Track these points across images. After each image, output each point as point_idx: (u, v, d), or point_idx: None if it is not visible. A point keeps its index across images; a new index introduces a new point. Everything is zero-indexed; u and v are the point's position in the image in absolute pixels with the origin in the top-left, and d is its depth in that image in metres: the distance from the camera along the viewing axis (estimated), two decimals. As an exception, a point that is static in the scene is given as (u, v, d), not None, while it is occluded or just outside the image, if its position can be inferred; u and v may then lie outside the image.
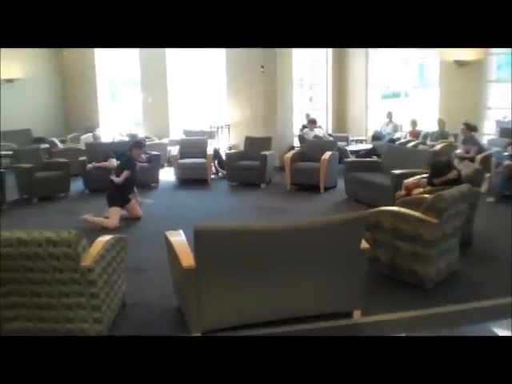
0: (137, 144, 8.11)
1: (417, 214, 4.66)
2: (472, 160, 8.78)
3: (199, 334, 3.78)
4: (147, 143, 11.14)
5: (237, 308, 3.89)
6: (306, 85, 15.20)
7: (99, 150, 9.96)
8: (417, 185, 5.98)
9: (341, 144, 11.29)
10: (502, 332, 4.01)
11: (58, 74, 14.44)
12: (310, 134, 11.36)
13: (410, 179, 6.15)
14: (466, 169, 6.36)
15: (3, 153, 11.20)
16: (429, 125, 12.01)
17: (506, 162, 8.06)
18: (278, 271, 3.86)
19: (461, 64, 11.26)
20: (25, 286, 3.59)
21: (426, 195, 5.05)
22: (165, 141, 12.81)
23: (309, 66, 14.93)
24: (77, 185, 9.76)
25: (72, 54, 13.83)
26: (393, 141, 11.44)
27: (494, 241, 6.09)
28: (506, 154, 8.48)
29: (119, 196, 7.40)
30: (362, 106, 13.90)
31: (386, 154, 8.93)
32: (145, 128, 13.98)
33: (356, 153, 11.47)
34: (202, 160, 10.42)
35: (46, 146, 11.84)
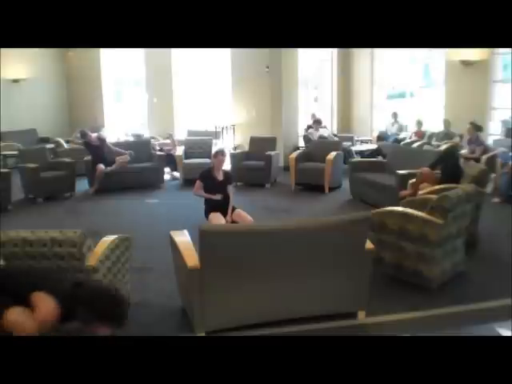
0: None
1: (422, 214, 4.65)
2: (477, 160, 8.75)
3: (203, 334, 3.78)
4: (152, 143, 11.17)
5: (241, 308, 3.89)
6: (311, 85, 15.16)
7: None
8: (433, 175, 6.11)
9: (346, 144, 11.27)
10: (506, 332, 4.00)
11: (63, 74, 14.46)
12: (315, 135, 11.35)
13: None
14: (471, 169, 6.35)
15: (9, 153, 11.25)
16: (434, 125, 11.96)
17: (512, 163, 8.04)
18: (283, 271, 3.86)
19: (466, 64, 11.21)
20: (30, 285, 3.60)
21: (431, 195, 5.05)
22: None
23: (314, 66, 14.89)
24: (82, 184, 9.78)
25: (77, 54, 13.84)
26: (398, 141, 11.41)
27: (500, 241, 6.06)
28: (511, 154, 8.45)
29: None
30: (367, 106, 13.86)
31: (391, 154, 8.93)
32: (150, 128, 13.99)
33: (361, 153, 11.46)
34: (207, 160, 10.42)
35: (52, 145, 11.86)
